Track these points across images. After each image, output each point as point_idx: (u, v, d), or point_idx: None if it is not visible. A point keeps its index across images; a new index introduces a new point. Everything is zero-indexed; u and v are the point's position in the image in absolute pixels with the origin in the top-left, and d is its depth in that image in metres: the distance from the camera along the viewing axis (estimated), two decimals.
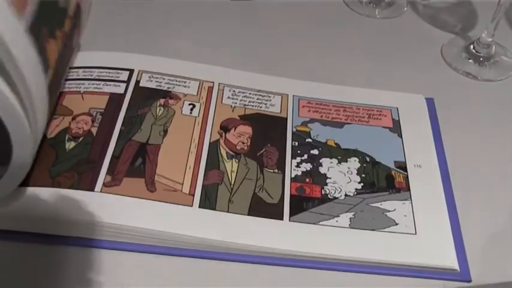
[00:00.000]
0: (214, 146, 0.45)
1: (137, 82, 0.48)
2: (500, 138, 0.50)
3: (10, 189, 0.39)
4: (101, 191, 0.41)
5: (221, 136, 0.45)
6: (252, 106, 0.48)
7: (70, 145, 0.43)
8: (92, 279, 0.38)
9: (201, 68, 0.51)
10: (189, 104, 0.47)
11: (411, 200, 0.43)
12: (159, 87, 0.48)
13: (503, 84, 0.56)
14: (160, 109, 0.47)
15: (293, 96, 0.50)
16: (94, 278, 0.38)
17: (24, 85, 0.34)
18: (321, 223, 0.41)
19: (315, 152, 0.46)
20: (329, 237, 0.40)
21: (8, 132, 0.35)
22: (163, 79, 0.49)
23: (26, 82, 0.34)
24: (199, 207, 0.41)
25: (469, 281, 0.40)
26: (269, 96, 0.49)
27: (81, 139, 0.44)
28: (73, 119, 0.45)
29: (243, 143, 0.45)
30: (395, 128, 0.48)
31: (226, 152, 0.44)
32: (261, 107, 0.48)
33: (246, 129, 0.46)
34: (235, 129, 0.46)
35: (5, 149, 0.36)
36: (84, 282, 0.38)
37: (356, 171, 0.45)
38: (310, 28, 0.60)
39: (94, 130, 0.44)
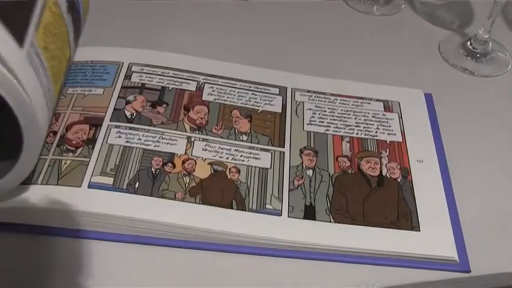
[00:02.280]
0: None
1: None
2: (497, 132, 0.51)
3: (14, 185, 0.39)
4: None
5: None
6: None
7: None
8: (80, 273, 0.38)
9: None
10: None
11: (414, 192, 0.44)
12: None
13: (499, 80, 0.57)
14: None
15: (291, 88, 0.51)
16: (83, 271, 0.38)
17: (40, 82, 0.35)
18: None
19: None
20: (331, 229, 0.41)
21: (20, 129, 0.35)
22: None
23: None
24: None
25: (468, 271, 0.41)
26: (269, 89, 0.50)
27: None
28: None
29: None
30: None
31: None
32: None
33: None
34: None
35: (11, 145, 0.36)
36: (73, 276, 0.38)
37: None
38: (310, 25, 0.60)
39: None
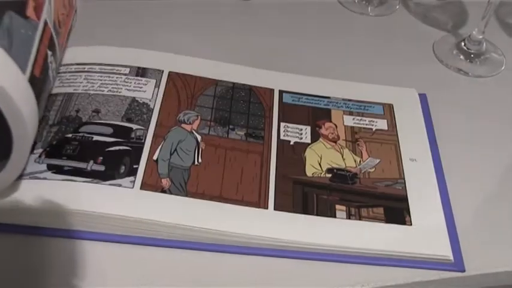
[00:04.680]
0: None
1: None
2: (491, 131, 0.51)
3: (6, 184, 0.39)
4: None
5: None
6: None
7: None
8: (74, 272, 0.38)
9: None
10: None
11: (406, 192, 0.44)
12: None
13: (493, 80, 0.57)
14: None
15: (279, 90, 0.50)
16: (77, 270, 0.38)
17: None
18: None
19: None
20: (326, 227, 0.41)
21: (9, 129, 0.35)
22: None
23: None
24: None
25: (463, 271, 0.41)
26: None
27: None
28: None
29: None
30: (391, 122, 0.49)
31: None
32: None
33: None
34: None
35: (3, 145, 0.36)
36: (67, 276, 0.38)
37: None
38: (305, 25, 0.60)
39: None
